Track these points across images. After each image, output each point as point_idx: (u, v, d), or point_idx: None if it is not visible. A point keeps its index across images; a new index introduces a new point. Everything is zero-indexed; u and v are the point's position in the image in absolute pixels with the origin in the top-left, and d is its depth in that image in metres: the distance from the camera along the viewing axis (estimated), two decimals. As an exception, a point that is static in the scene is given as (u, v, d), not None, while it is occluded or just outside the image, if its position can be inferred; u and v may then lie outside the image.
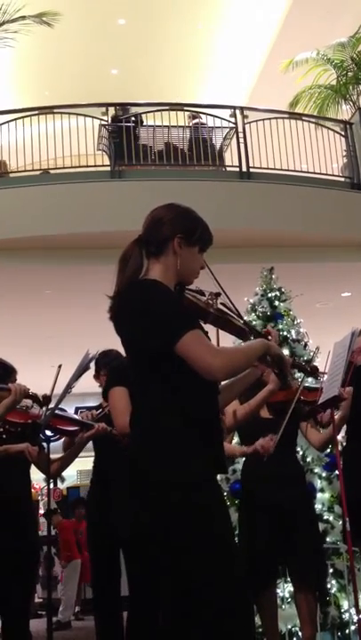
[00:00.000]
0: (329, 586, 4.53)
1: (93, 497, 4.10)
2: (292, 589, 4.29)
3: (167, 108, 9.84)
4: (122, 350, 2.35)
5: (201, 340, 2.10)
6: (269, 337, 2.54)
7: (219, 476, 2.36)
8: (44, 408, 3.58)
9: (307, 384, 4.07)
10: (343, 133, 10.01)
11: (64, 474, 4.21)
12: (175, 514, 2.02)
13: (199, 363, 2.06)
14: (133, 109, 9.72)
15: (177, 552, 2.01)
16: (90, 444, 3.94)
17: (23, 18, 10.41)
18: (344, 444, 4.13)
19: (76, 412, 4.36)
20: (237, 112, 9.58)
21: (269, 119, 9.51)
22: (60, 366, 3.53)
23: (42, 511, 10.12)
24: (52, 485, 3.81)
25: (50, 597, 3.78)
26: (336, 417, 3.66)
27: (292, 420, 3.77)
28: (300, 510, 3.86)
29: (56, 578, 8.75)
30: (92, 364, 3.87)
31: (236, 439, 4.45)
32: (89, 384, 4.19)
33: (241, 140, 9.35)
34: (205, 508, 2.05)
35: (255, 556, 3.66)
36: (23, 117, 9.22)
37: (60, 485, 9.94)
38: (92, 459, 4.22)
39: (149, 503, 2.05)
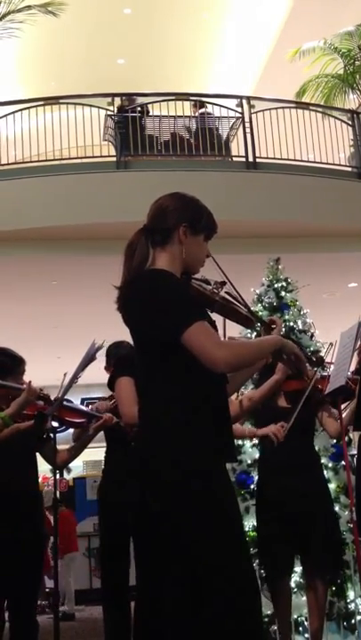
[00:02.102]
0: (335, 576, 4.54)
1: (104, 488, 4.12)
2: (299, 579, 4.30)
3: (173, 97, 9.80)
4: (130, 341, 2.35)
5: (207, 331, 2.10)
6: (274, 325, 2.53)
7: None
8: (51, 398, 3.59)
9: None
10: (350, 123, 9.96)
11: (70, 464, 4.21)
12: (183, 502, 2.02)
13: (203, 354, 2.06)
14: (139, 99, 9.69)
15: (185, 540, 2.01)
16: (101, 435, 3.94)
17: (29, 8, 10.39)
18: (351, 434, 4.12)
19: (82, 403, 4.36)
20: (244, 102, 9.54)
21: (276, 109, 9.47)
22: (65, 374, 3.53)
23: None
24: (58, 476, 3.81)
25: (57, 588, 3.80)
26: (351, 406, 3.66)
27: (308, 408, 3.76)
28: (316, 499, 3.85)
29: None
30: (102, 355, 3.86)
31: (248, 426, 4.44)
32: (95, 375, 4.18)
33: (247, 130, 9.32)
34: (214, 496, 2.05)
35: (271, 546, 3.67)
36: (29, 108, 9.21)
37: (66, 476, 9.97)
38: (99, 450, 4.23)
39: (157, 492, 2.05)
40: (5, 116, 9.07)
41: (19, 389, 3.39)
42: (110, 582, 4.01)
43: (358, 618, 4.50)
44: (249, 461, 4.87)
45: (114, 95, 9.34)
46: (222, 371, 2.13)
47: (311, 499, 3.80)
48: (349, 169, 9.88)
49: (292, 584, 4.47)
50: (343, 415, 3.67)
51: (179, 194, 2.35)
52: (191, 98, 10.10)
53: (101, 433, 3.92)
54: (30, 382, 3.43)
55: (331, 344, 4.13)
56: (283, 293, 5.64)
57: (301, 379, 3.69)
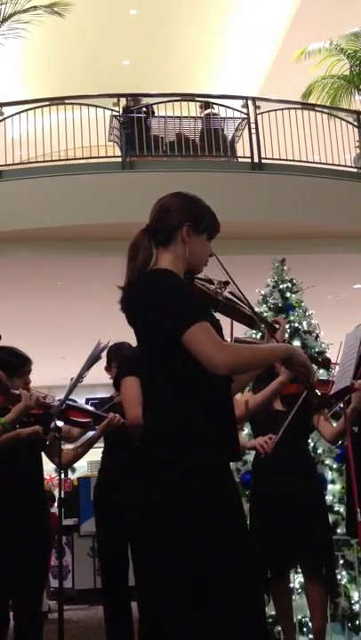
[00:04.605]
0: (339, 577, 4.54)
1: (102, 487, 4.12)
2: (302, 580, 4.31)
3: (179, 98, 9.80)
4: (134, 342, 2.35)
5: (208, 332, 2.08)
6: (277, 326, 2.52)
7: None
8: (56, 398, 3.59)
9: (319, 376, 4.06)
10: (356, 124, 9.97)
11: (75, 464, 4.22)
12: (184, 501, 2.02)
13: (202, 355, 2.04)
14: (145, 100, 9.71)
15: (186, 539, 2.01)
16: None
17: (35, 8, 10.40)
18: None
19: (86, 403, 4.37)
20: (249, 102, 9.55)
21: (282, 110, 9.48)
22: (72, 379, 3.54)
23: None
24: (62, 476, 3.82)
25: (61, 587, 3.80)
26: (348, 409, 3.65)
27: (304, 412, 3.76)
28: (311, 502, 3.86)
29: (67, 567, 8.79)
30: (104, 355, 3.86)
31: (247, 430, 4.45)
32: (100, 375, 4.19)
33: (253, 131, 9.32)
34: (215, 495, 2.05)
35: (268, 547, 3.67)
36: (35, 108, 9.23)
37: (70, 476, 9.98)
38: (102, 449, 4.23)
39: (159, 491, 2.05)
40: (11, 116, 9.10)
41: (18, 395, 3.38)
42: (111, 582, 4.02)
43: (363, 619, 4.50)
44: (254, 462, 4.87)
45: (119, 96, 9.35)
46: (222, 373, 2.08)
47: (305, 501, 3.80)
48: (355, 170, 9.87)
49: (297, 585, 4.47)
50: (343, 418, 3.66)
51: (181, 193, 2.33)
52: (197, 98, 10.11)
53: None
54: (30, 390, 3.43)
55: None
56: (288, 294, 5.65)
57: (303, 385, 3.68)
